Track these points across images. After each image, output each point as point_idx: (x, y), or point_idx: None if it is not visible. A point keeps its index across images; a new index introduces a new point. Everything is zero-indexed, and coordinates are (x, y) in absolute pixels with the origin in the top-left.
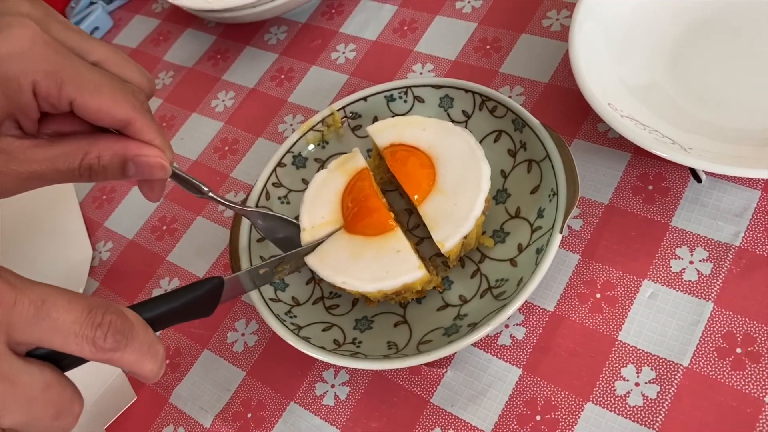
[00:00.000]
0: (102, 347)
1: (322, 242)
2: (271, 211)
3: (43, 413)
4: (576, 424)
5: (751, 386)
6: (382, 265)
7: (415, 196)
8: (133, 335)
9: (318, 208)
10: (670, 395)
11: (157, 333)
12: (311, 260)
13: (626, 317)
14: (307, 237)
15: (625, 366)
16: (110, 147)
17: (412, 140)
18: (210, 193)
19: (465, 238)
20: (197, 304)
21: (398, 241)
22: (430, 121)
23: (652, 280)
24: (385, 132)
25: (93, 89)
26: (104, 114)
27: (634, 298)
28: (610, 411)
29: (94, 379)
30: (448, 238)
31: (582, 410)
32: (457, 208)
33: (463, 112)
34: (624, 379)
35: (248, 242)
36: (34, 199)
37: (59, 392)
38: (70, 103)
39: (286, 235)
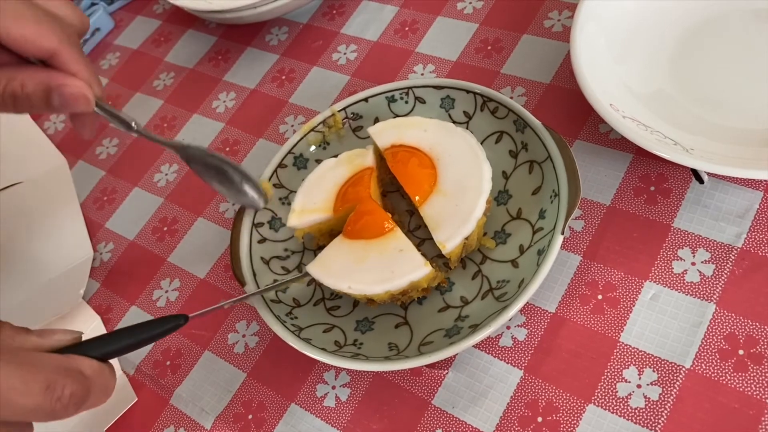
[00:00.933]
0: (62, 416)
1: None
2: (198, 147)
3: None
4: (577, 425)
5: (754, 388)
6: (386, 266)
7: (416, 197)
8: (91, 391)
9: (314, 194)
10: (672, 397)
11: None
12: (313, 270)
13: (628, 318)
14: (294, 219)
15: (627, 367)
16: (34, 76)
17: (413, 141)
18: (136, 128)
19: (466, 239)
20: (159, 337)
21: (399, 240)
22: (431, 122)
23: (654, 282)
24: (386, 133)
25: (15, 17)
26: (29, 43)
27: (636, 300)
28: (612, 413)
29: None
30: (449, 239)
31: (584, 412)
32: (458, 209)
33: (465, 113)
34: (626, 381)
35: (249, 243)
36: (35, 200)
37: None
38: None
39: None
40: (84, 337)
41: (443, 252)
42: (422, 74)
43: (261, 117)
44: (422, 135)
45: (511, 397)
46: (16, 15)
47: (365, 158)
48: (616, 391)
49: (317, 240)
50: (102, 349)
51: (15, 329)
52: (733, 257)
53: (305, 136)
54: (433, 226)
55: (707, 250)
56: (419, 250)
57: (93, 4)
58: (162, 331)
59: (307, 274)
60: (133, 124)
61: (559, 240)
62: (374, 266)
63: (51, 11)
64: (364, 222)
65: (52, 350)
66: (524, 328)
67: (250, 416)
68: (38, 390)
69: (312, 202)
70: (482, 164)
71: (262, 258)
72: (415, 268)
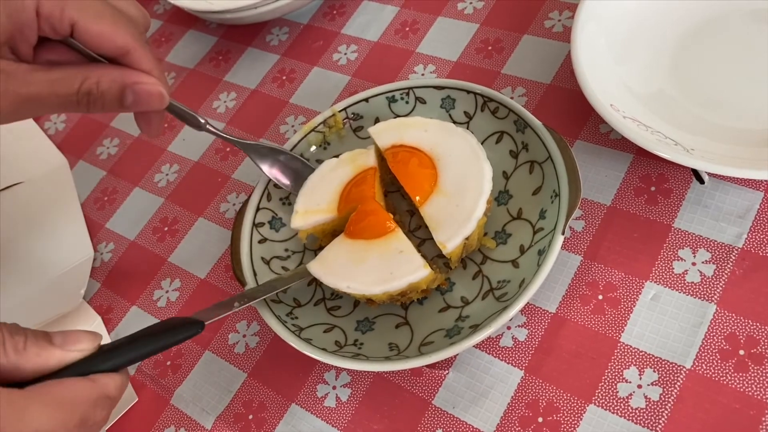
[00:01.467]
0: None
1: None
2: (277, 146)
3: None
4: (578, 425)
5: (754, 388)
6: (386, 267)
7: (417, 198)
8: (113, 408)
9: (317, 194)
10: (672, 397)
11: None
12: (314, 268)
13: (628, 319)
14: (298, 221)
15: (628, 368)
16: (109, 74)
17: (414, 141)
18: (208, 126)
19: (467, 239)
20: (175, 344)
21: (400, 241)
22: (431, 122)
23: (655, 282)
24: (386, 133)
25: (94, 14)
26: (105, 40)
27: (637, 300)
28: (613, 413)
29: None
30: (449, 239)
31: (584, 412)
32: (458, 209)
33: (465, 113)
34: (626, 381)
35: (249, 243)
36: (36, 200)
37: None
38: (71, 26)
39: (292, 171)
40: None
41: (444, 252)
42: (423, 74)
43: (262, 117)
44: (423, 135)
45: (512, 397)
46: (95, 12)
47: (367, 158)
48: (617, 392)
49: (320, 241)
50: (121, 358)
51: (38, 342)
52: (733, 257)
53: (306, 136)
54: (433, 226)
55: (708, 251)
56: (420, 251)
57: None
58: (179, 339)
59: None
60: (203, 123)
61: (559, 240)
62: (374, 267)
63: (122, 9)
64: (366, 222)
65: (75, 361)
66: (525, 328)
67: (250, 416)
68: (74, 427)
69: (315, 203)
70: (483, 164)
71: (262, 258)
72: (414, 270)
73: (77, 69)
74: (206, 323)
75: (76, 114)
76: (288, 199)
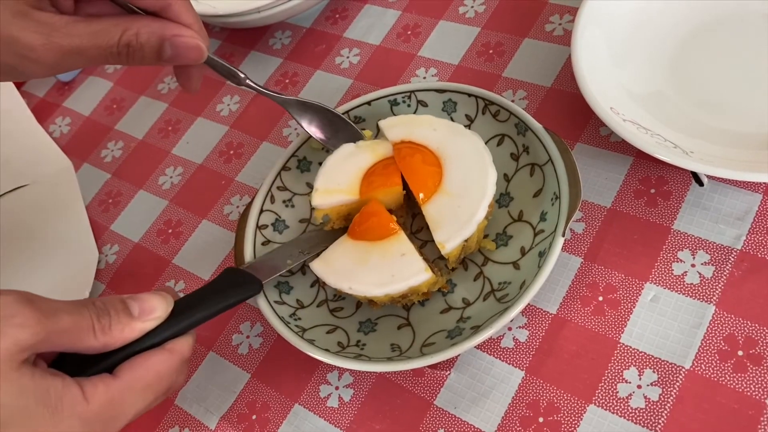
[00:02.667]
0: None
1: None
2: (316, 102)
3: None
4: (578, 425)
5: (753, 388)
6: (387, 270)
7: (421, 195)
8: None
9: (338, 176)
10: (671, 397)
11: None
12: (317, 267)
13: (628, 320)
14: (318, 199)
15: (628, 368)
16: (149, 26)
17: (422, 139)
18: (247, 81)
19: (466, 241)
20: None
21: (402, 244)
22: (441, 122)
23: (654, 283)
24: (396, 128)
25: None
26: None
27: (637, 301)
28: (612, 413)
29: None
30: (449, 240)
31: (584, 412)
32: (460, 210)
33: (467, 116)
34: (626, 382)
35: (253, 245)
36: (41, 203)
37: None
38: None
39: (331, 127)
40: None
41: (442, 252)
42: (425, 78)
43: (265, 120)
44: (431, 134)
45: (513, 397)
46: None
47: (386, 148)
48: (617, 392)
49: (332, 223)
50: (190, 320)
51: (121, 320)
52: (732, 259)
53: (309, 139)
54: (434, 226)
55: (707, 252)
56: (421, 253)
57: None
58: (241, 299)
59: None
60: (243, 77)
61: (560, 242)
62: (376, 269)
63: None
64: (369, 223)
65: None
66: (525, 329)
67: (254, 416)
68: (162, 395)
69: (336, 183)
70: (488, 168)
71: None
72: (415, 274)
73: (117, 20)
74: (264, 282)
75: (80, 117)
76: (291, 201)
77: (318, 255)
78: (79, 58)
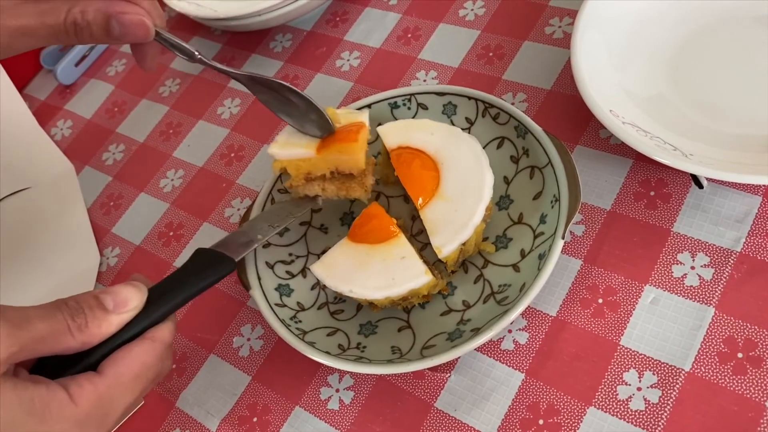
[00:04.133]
0: None
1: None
2: (262, 75)
3: None
4: (578, 428)
5: (753, 390)
6: (388, 273)
7: (419, 200)
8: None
9: (301, 134)
10: (671, 399)
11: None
12: (317, 270)
13: (628, 322)
14: (275, 148)
15: (627, 370)
16: (94, 4)
17: (420, 143)
18: (199, 56)
19: (463, 244)
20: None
21: (403, 247)
22: (438, 126)
23: (654, 286)
24: (394, 134)
25: None
26: None
27: (636, 303)
28: (612, 415)
29: None
30: (445, 244)
31: (584, 414)
32: (457, 214)
33: (467, 119)
34: (626, 384)
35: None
36: (43, 206)
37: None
38: None
39: (287, 104)
40: None
41: (439, 256)
42: (425, 81)
43: (266, 123)
44: (429, 138)
45: (513, 399)
46: None
47: (360, 116)
48: (617, 394)
49: (292, 180)
50: (166, 307)
51: (96, 316)
52: (732, 261)
53: None
54: (431, 230)
55: (706, 255)
56: (421, 256)
57: None
58: (216, 279)
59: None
60: (196, 54)
61: (559, 244)
62: (376, 272)
63: None
64: (370, 226)
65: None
66: (525, 331)
67: (255, 419)
68: (150, 384)
69: (297, 139)
70: (485, 171)
71: (266, 262)
72: (415, 277)
73: (64, 0)
74: (236, 259)
75: (82, 120)
76: None
77: (287, 229)
78: (30, 38)
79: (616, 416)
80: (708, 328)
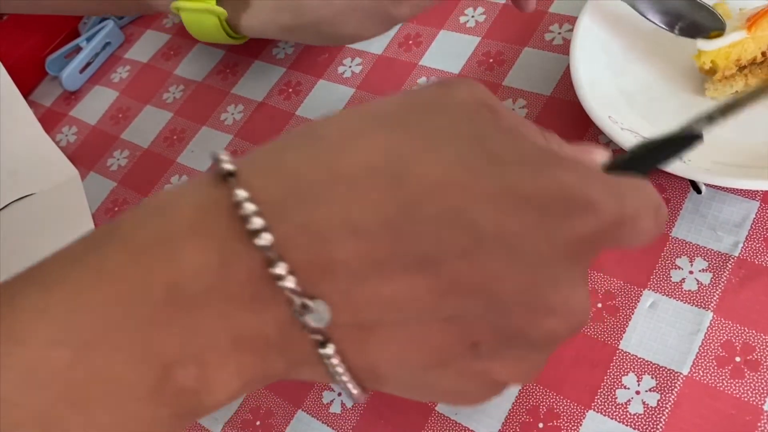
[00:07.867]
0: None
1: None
2: None
3: None
4: (578, 431)
5: (750, 394)
6: None
7: None
8: None
9: None
10: (670, 403)
11: None
12: None
13: (627, 326)
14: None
15: (626, 374)
16: None
17: None
18: None
19: None
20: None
21: None
22: None
23: (653, 290)
24: None
25: None
26: None
27: (635, 308)
28: (611, 418)
29: None
30: None
31: (584, 418)
32: None
33: None
34: (625, 388)
35: None
36: (47, 211)
37: None
38: None
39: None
40: None
41: None
42: None
43: (269, 129)
44: None
45: (513, 403)
46: None
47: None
48: (616, 398)
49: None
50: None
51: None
52: (730, 266)
53: None
54: None
55: (705, 259)
56: None
57: (104, 19)
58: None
59: None
60: None
61: None
62: None
63: None
64: None
65: None
66: None
67: (258, 423)
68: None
69: None
70: None
71: None
72: None
73: None
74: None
75: (87, 127)
76: None
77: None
78: None
79: (615, 419)
80: (706, 332)
